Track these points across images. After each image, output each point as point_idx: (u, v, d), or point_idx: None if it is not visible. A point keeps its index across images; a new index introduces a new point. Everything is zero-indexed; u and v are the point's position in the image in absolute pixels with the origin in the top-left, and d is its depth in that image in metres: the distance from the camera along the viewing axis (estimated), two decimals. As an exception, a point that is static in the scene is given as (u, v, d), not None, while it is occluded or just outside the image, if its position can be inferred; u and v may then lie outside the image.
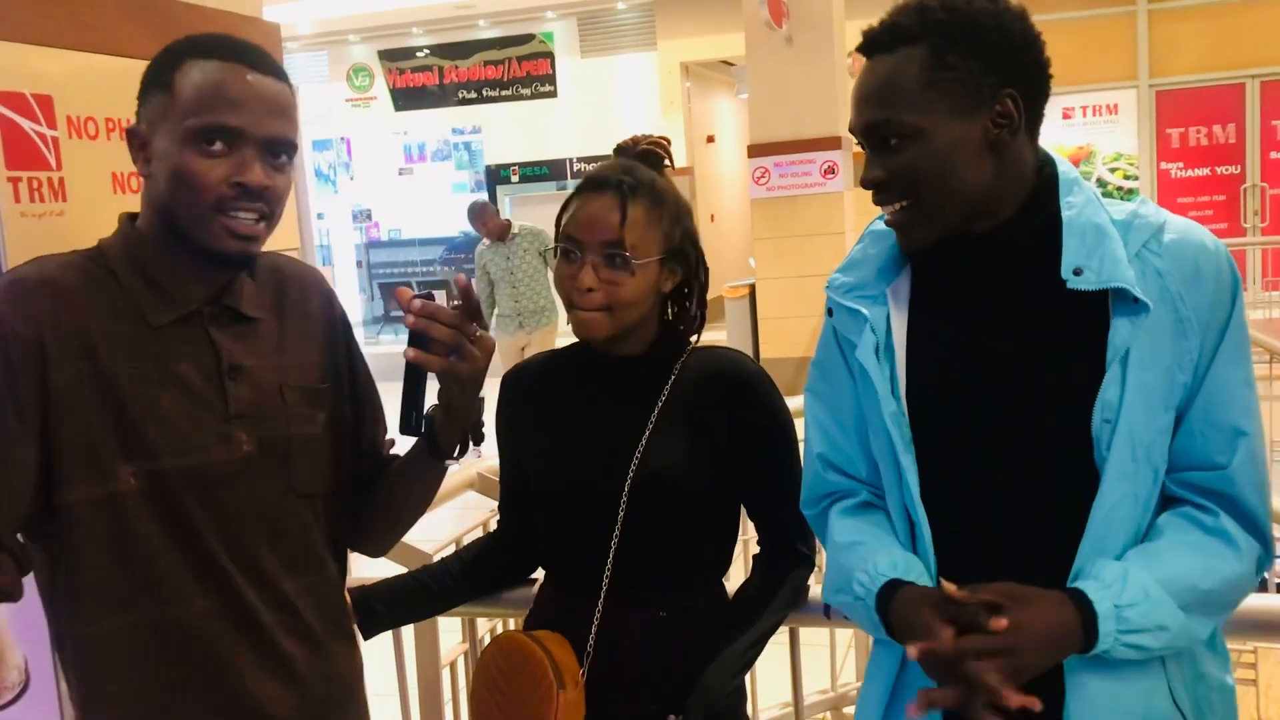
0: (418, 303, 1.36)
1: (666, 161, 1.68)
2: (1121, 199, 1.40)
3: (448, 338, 1.36)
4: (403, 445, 1.58)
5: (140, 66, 1.42)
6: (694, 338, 1.68)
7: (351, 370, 1.58)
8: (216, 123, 1.33)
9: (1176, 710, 1.30)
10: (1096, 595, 1.22)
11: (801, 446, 1.56)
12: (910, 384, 1.38)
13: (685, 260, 1.64)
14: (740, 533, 1.76)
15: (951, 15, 1.30)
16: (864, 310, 1.40)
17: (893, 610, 1.32)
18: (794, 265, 8.96)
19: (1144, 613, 1.22)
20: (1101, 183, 10.79)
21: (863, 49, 1.37)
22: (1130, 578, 1.23)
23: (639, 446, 1.58)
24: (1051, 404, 1.31)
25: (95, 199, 1.76)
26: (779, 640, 1.86)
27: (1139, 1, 11.04)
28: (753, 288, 9.48)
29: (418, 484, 1.59)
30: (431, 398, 1.45)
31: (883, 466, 1.40)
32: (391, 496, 1.60)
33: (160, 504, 1.34)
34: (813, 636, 1.99)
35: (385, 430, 1.64)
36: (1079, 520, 1.28)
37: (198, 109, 1.33)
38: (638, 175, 1.60)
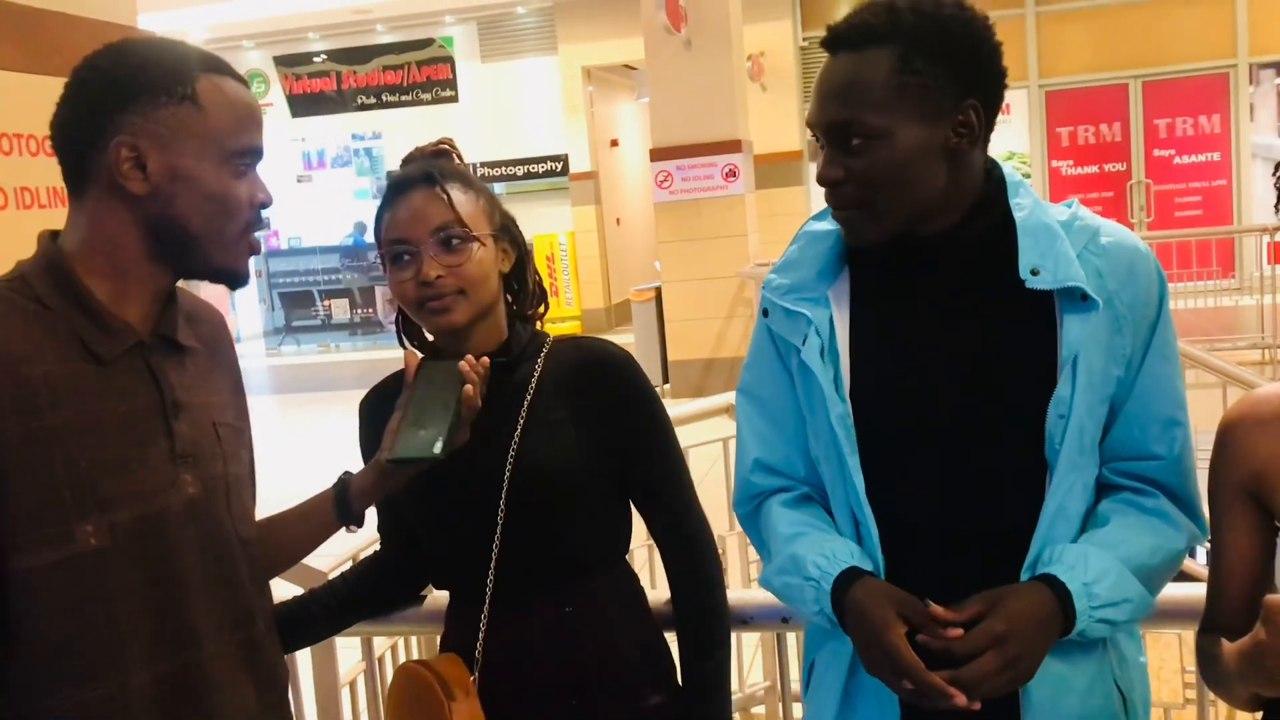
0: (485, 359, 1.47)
1: (457, 161, 1.65)
2: None
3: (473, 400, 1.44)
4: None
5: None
6: (541, 309, 1.66)
7: (247, 415, 1.49)
8: (254, 145, 1.31)
9: (1117, 690, 1.37)
10: (1066, 576, 1.27)
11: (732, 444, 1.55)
12: (854, 384, 1.39)
13: (514, 239, 1.63)
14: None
15: (921, 19, 1.30)
16: (807, 313, 1.40)
17: (851, 597, 1.32)
18: (699, 268, 9.02)
19: (1110, 587, 1.27)
20: (996, 181, 11.04)
21: (828, 44, 1.36)
22: (1090, 557, 1.28)
23: (512, 444, 1.56)
24: (1005, 400, 1.34)
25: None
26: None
27: (1027, 4, 11.35)
28: (659, 291, 9.52)
29: (303, 542, 1.53)
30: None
31: (827, 467, 1.41)
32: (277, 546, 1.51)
33: (119, 560, 1.23)
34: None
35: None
36: (1022, 512, 1.33)
37: (237, 130, 1.29)
38: (441, 165, 1.58)
